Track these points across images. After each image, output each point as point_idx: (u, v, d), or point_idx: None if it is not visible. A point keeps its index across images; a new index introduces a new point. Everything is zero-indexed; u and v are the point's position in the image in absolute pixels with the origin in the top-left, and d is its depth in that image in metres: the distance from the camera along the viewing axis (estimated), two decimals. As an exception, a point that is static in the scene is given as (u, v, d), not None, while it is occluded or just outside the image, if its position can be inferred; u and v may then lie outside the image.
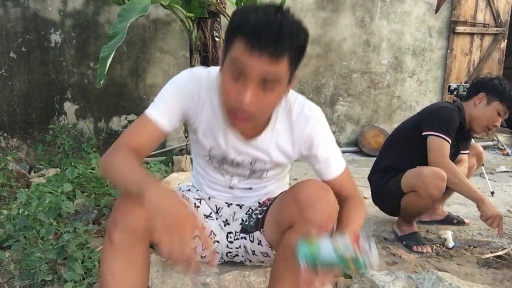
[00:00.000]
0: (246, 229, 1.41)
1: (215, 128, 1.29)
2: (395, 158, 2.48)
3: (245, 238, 1.42)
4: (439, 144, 2.30)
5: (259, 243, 1.38)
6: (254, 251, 1.42)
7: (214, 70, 1.27)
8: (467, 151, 2.60)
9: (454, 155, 2.47)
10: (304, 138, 1.30)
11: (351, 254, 1.00)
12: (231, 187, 1.42)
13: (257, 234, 1.37)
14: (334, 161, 1.33)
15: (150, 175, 1.15)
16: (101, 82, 2.70)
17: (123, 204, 1.14)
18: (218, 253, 1.44)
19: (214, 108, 1.26)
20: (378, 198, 2.55)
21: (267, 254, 1.40)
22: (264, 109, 1.15)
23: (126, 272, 1.13)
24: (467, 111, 2.45)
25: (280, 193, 1.36)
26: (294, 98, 1.30)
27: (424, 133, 2.35)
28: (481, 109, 2.42)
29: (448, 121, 2.34)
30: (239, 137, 1.29)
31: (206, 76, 1.26)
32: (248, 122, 1.16)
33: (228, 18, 1.17)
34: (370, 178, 2.61)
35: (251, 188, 1.43)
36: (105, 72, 2.67)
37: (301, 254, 1.04)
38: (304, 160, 1.36)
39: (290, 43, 1.06)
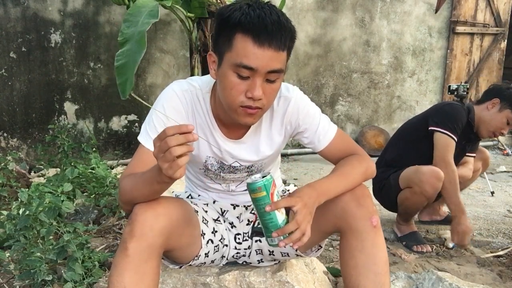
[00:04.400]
0: (260, 232, 1.41)
1: (208, 135, 1.30)
2: (399, 152, 2.50)
3: (260, 241, 1.42)
4: (445, 142, 2.31)
5: None
6: (272, 251, 1.42)
7: (196, 79, 1.31)
8: (474, 154, 2.61)
9: (460, 156, 2.48)
10: (289, 118, 1.32)
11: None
12: (230, 192, 1.43)
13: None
14: (323, 129, 1.34)
15: (153, 167, 1.14)
16: (126, 94, 2.49)
17: (142, 215, 1.12)
18: (224, 256, 1.44)
19: (205, 115, 1.29)
20: (378, 192, 2.56)
21: (287, 254, 1.42)
22: (271, 100, 1.19)
23: (137, 284, 1.11)
24: (477, 113, 2.45)
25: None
26: None
27: (430, 128, 2.36)
28: (492, 114, 2.42)
29: (454, 118, 2.35)
30: (229, 139, 1.31)
31: (189, 87, 1.28)
32: (258, 116, 1.19)
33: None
34: None
35: None
36: (130, 81, 2.49)
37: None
38: (295, 140, 1.39)
39: (289, 35, 1.12)
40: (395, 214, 2.82)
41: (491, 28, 5.28)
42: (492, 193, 3.44)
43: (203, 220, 1.35)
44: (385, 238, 2.50)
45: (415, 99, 5.35)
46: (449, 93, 3.73)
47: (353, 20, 5.04)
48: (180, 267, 1.40)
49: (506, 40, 5.39)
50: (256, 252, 1.45)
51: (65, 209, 1.91)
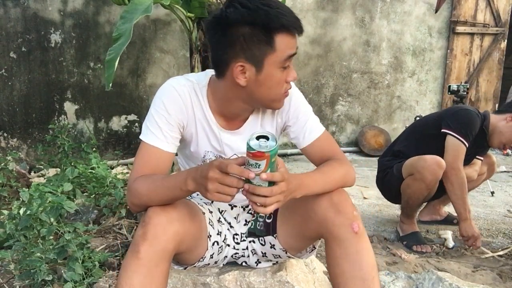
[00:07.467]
0: (254, 233, 1.42)
1: (207, 127, 1.32)
2: (408, 145, 2.51)
3: (253, 242, 1.42)
4: (457, 147, 2.31)
5: (272, 246, 1.39)
6: (265, 253, 1.43)
7: (192, 74, 1.34)
8: (482, 158, 2.61)
9: (470, 158, 2.49)
10: (280, 110, 1.36)
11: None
12: None
13: (269, 238, 1.38)
14: (310, 126, 1.36)
15: (177, 174, 1.18)
16: (110, 85, 2.70)
17: (155, 218, 1.13)
18: (226, 256, 1.45)
19: (203, 108, 1.30)
20: (381, 180, 2.58)
21: (279, 256, 1.42)
22: None
23: (146, 287, 1.11)
24: (493, 122, 2.43)
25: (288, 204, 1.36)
26: None
27: (443, 130, 2.36)
28: (508, 127, 2.40)
29: (469, 125, 2.34)
30: (227, 129, 1.33)
31: (186, 82, 1.30)
32: None
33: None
34: (380, 159, 2.66)
35: None
36: (113, 75, 2.67)
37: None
38: (284, 133, 1.41)
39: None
40: (395, 215, 2.83)
41: (491, 28, 5.28)
42: (492, 193, 3.44)
43: (209, 222, 1.36)
44: (385, 238, 2.53)
45: (415, 99, 5.35)
46: (449, 93, 3.74)
47: (353, 20, 5.04)
48: (185, 268, 1.40)
49: (506, 40, 5.39)
50: (252, 253, 1.45)
51: (67, 208, 1.91)
